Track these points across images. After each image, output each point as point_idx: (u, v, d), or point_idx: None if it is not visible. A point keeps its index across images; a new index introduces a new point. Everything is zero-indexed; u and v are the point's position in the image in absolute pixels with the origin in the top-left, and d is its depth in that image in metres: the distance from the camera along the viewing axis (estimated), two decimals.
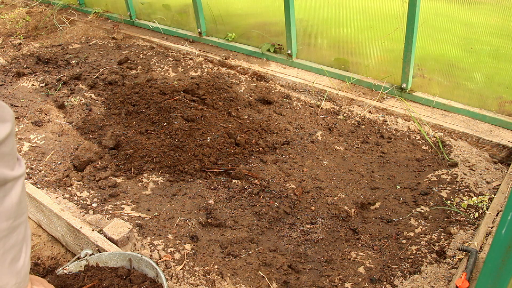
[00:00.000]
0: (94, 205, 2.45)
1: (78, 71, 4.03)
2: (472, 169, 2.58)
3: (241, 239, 2.24)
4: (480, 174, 2.53)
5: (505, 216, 1.05)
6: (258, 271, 2.04)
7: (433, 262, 2.02)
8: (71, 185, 2.59)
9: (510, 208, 1.03)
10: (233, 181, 2.67)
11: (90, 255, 1.88)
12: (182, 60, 4.20)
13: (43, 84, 3.86)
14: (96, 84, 3.83)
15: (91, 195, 2.52)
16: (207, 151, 2.81)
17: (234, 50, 4.23)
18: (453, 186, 2.49)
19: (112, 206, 2.44)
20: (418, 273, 1.98)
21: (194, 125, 2.99)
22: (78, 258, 1.87)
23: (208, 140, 2.87)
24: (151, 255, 2.09)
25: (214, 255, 2.14)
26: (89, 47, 4.70)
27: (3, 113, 1.04)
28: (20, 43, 4.82)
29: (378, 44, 3.24)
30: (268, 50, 3.93)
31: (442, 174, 2.60)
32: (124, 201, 2.50)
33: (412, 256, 2.08)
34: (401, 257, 2.10)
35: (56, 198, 2.48)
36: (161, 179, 2.69)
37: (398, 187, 2.59)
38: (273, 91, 3.60)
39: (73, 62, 4.32)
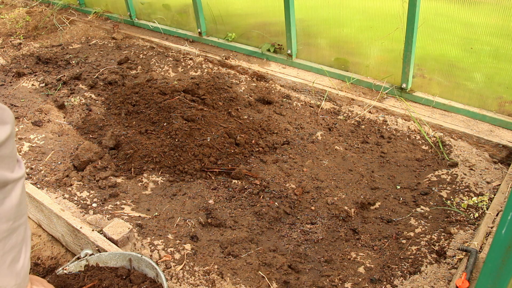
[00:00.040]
0: (94, 205, 2.45)
1: (78, 71, 4.03)
2: (472, 169, 2.58)
3: (241, 239, 2.24)
4: (480, 174, 2.53)
5: (505, 216, 1.05)
6: (258, 271, 2.04)
7: (433, 262, 2.02)
8: (71, 185, 2.59)
9: (510, 208, 1.03)
10: (233, 181, 2.67)
11: (90, 255, 1.88)
12: (182, 60, 4.20)
13: (43, 84, 3.86)
14: (96, 84, 3.83)
15: (91, 195, 2.52)
16: (207, 151, 2.81)
17: (234, 50, 4.23)
18: (453, 186, 2.49)
19: (112, 206, 2.44)
20: (418, 273, 1.98)
21: (194, 125, 2.99)
22: (78, 258, 1.87)
23: (208, 140, 2.87)
24: (151, 255, 2.09)
25: (214, 255, 2.14)
26: (89, 47, 4.70)
27: (3, 115, 1.04)
28: (20, 43, 4.82)
29: (378, 44, 3.24)
30: (268, 50, 3.94)
31: (442, 174, 2.60)
32: (124, 201, 2.50)
33: (412, 256, 2.08)
34: (401, 257, 2.10)
35: (56, 198, 2.48)
36: (161, 179, 2.69)
37: (398, 187, 2.59)
38: (273, 91, 3.60)
39: (73, 62, 4.32)
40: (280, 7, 3.59)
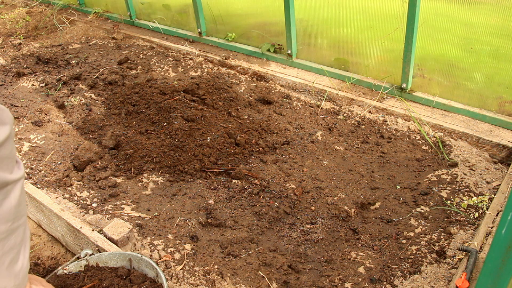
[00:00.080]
0: (94, 205, 2.45)
1: (78, 71, 4.03)
2: (472, 169, 2.58)
3: (241, 239, 2.24)
4: (480, 174, 2.53)
5: (505, 216, 1.05)
6: (258, 271, 2.04)
7: (433, 262, 2.02)
8: (71, 185, 2.59)
9: (510, 208, 1.03)
10: (233, 181, 2.67)
11: (90, 255, 1.88)
12: (182, 60, 4.20)
13: (43, 84, 3.86)
14: (96, 84, 3.83)
15: (91, 195, 2.52)
16: (207, 151, 2.81)
17: (234, 50, 4.23)
18: (453, 186, 2.49)
19: (112, 206, 2.44)
20: (418, 273, 1.98)
21: (194, 125, 2.99)
22: (78, 258, 1.87)
23: (208, 140, 2.87)
24: (151, 255, 2.09)
25: (214, 255, 2.14)
26: (89, 47, 4.70)
27: (1, 116, 1.03)
28: (20, 43, 4.82)
29: (378, 44, 3.24)
30: (268, 50, 3.94)
31: (442, 174, 2.60)
32: (124, 201, 2.50)
33: (412, 256, 2.08)
34: (401, 257, 2.10)
35: (56, 198, 2.48)
36: (161, 179, 2.69)
37: (398, 187, 2.59)
38: (273, 91, 3.60)
39: (73, 62, 4.32)
40: (280, 7, 3.59)
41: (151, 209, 2.46)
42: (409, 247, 2.14)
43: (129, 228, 2.12)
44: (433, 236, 2.16)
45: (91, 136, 3.12)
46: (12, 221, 1.08)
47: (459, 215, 2.27)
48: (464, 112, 2.97)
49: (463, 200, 2.36)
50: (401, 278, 1.99)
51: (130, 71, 4.08)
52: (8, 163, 1.05)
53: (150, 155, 2.80)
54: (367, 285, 1.98)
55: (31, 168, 2.71)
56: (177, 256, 2.09)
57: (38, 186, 2.56)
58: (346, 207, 2.42)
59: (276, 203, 2.47)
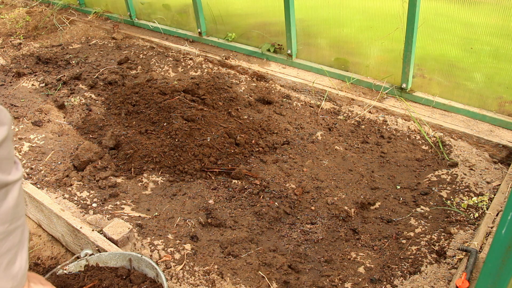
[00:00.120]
0: (94, 205, 2.45)
1: (78, 71, 4.03)
2: (472, 169, 2.58)
3: (241, 239, 2.24)
4: (480, 174, 2.53)
5: (505, 216, 1.05)
6: (258, 271, 2.04)
7: (433, 262, 2.02)
8: (71, 185, 2.59)
9: (510, 208, 1.03)
10: (233, 181, 2.67)
11: (90, 255, 1.88)
12: (182, 60, 4.20)
13: (43, 84, 3.86)
14: (96, 84, 3.83)
15: (91, 195, 2.52)
16: (207, 151, 2.81)
17: (234, 50, 4.23)
18: (453, 186, 2.49)
19: (112, 206, 2.44)
20: (418, 273, 1.98)
21: (194, 125, 2.99)
22: (78, 258, 1.87)
23: (208, 140, 2.87)
24: (151, 255, 2.09)
25: (214, 255, 2.14)
26: (89, 47, 4.70)
27: (0, 116, 1.03)
28: (20, 43, 4.82)
29: (378, 44, 3.24)
30: (268, 50, 3.94)
31: (442, 174, 2.60)
32: (124, 201, 2.50)
33: (412, 256, 2.08)
34: (401, 257, 2.10)
35: (56, 198, 2.48)
36: (161, 179, 2.69)
37: (398, 187, 2.59)
38: (273, 91, 3.60)
39: (73, 62, 4.32)
40: (280, 7, 3.59)
41: (151, 209, 2.46)
42: (409, 247, 2.14)
43: (129, 228, 2.12)
44: (433, 236, 2.16)
45: (91, 136, 3.12)
46: (10, 222, 1.07)
47: (459, 215, 2.27)
48: (464, 112, 2.97)
49: (463, 200, 2.36)
50: (401, 278, 1.99)
51: (130, 71, 4.08)
52: (6, 164, 1.05)
53: (150, 155, 2.80)
54: (367, 285, 1.98)
55: (31, 168, 2.71)
56: (177, 256, 2.09)
57: (38, 186, 2.56)
58: (346, 207, 2.42)
59: (276, 203, 2.47)
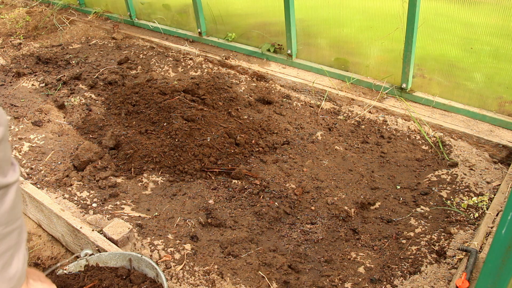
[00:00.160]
0: (94, 205, 2.45)
1: (78, 71, 4.03)
2: (472, 169, 2.58)
3: (241, 239, 2.24)
4: (480, 174, 2.54)
5: (505, 216, 1.05)
6: (258, 271, 2.04)
7: (433, 262, 2.02)
8: (71, 185, 2.59)
9: (510, 208, 1.03)
10: (233, 181, 2.67)
11: (90, 255, 1.88)
12: (182, 60, 4.20)
13: (43, 84, 3.86)
14: (96, 84, 3.83)
15: (91, 195, 2.52)
16: (207, 151, 2.81)
17: (234, 50, 4.23)
18: (453, 186, 2.49)
19: (112, 206, 2.44)
20: (418, 273, 1.98)
21: (194, 125, 2.99)
22: (77, 257, 1.87)
23: (208, 140, 2.87)
24: (151, 255, 2.09)
25: (214, 255, 2.14)
26: (89, 47, 4.70)
27: None
28: (20, 43, 4.82)
29: (378, 44, 3.24)
30: (268, 50, 3.94)
31: (442, 174, 2.60)
32: (124, 201, 2.50)
33: (412, 256, 2.08)
34: (401, 257, 2.10)
35: (56, 198, 2.48)
36: (161, 179, 2.69)
37: (398, 187, 2.59)
38: (273, 91, 3.60)
39: (73, 62, 4.32)
40: (280, 7, 3.59)
41: (151, 209, 2.46)
42: (409, 247, 2.14)
43: (129, 228, 2.12)
44: (433, 236, 2.16)
45: (91, 136, 3.12)
46: (5, 225, 1.06)
47: (459, 215, 2.27)
48: (464, 112, 2.97)
49: (463, 200, 2.36)
50: (401, 278, 1.99)
51: (130, 71, 4.08)
52: (2, 166, 1.04)
53: (150, 155, 2.80)
54: (367, 285, 1.98)
55: (31, 168, 2.71)
56: (177, 256, 2.09)
57: (38, 186, 2.56)
58: (346, 207, 2.42)
59: (276, 203, 2.47)
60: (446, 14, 2.84)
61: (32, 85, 3.87)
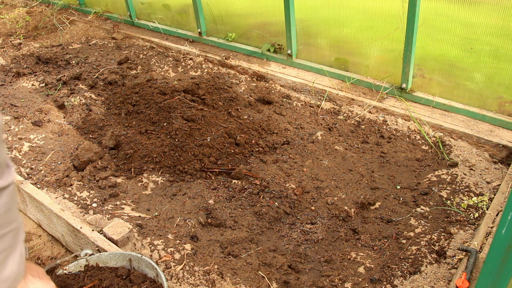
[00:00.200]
0: (94, 205, 2.45)
1: (78, 71, 4.03)
2: (472, 169, 2.58)
3: (241, 239, 2.24)
4: (480, 174, 2.53)
5: (505, 216, 1.05)
6: (258, 271, 2.04)
7: (433, 262, 2.02)
8: (71, 185, 2.59)
9: (510, 208, 1.03)
10: (233, 181, 2.67)
11: (90, 255, 1.88)
12: (182, 60, 4.20)
13: (43, 84, 3.86)
14: (96, 84, 3.83)
15: (91, 195, 2.52)
16: (207, 151, 2.81)
17: (234, 50, 4.23)
18: (453, 186, 2.49)
19: (112, 206, 2.44)
20: (418, 273, 1.98)
21: (194, 125, 2.99)
22: (76, 257, 1.87)
23: (208, 140, 2.87)
24: (151, 255, 2.09)
25: (214, 255, 2.14)
26: (89, 47, 4.70)
27: None
28: (20, 43, 4.82)
29: (378, 44, 3.24)
30: (268, 50, 3.94)
31: (442, 174, 2.60)
32: (124, 201, 2.50)
33: (412, 256, 2.08)
34: (401, 257, 2.10)
35: (56, 198, 2.48)
36: (161, 179, 2.69)
37: (398, 187, 2.59)
38: (273, 91, 3.60)
39: (73, 62, 4.32)
40: (280, 7, 3.59)
41: (151, 209, 2.46)
42: (409, 247, 2.14)
43: (129, 228, 2.12)
44: (433, 236, 2.16)
45: (91, 136, 3.12)
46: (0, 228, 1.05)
47: (459, 215, 2.27)
48: (464, 112, 2.97)
49: (463, 200, 2.36)
50: (401, 278, 1.99)
51: (130, 71, 4.08)
52: None
53: (150, 155, 2.80)
54: (367, 285, 1.98)
55: (31, 168, 2.71)
56: (177, 256, 2.09)
57: (38, 186, 2.56)
58: (346, 207, 2.42)
59: (276, 203, 2.47)
60: (446, 14, 2.84)
61: (32, 85, 3.87)
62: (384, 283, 1.98)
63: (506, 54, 2.69)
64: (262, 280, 1.99)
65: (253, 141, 2.96)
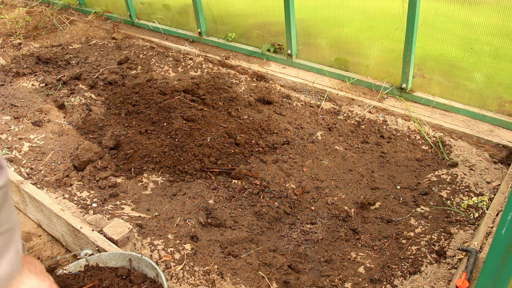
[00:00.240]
0: (94, 205, 2.45)
1: (78, 71, 4.03)
2: (472, 169, 2.58)
3: (241, 239, 2.24)
4: (480, 174, 2.53)
5: (505, 216, 1.05)
6: (258, 271, 2.04)
7: (433, 262, 2.02)
8: (71, 185, 2.59)
9: (510, 208, 1.03)
10: (233, 181, 2.67)
11: (90, 255, 1.88)
12: (182, 60, 4.20)
13: (43, 84, 3.86)
14: (96, 84, 3.83)
15: (91, 195, 2.52)
16: (207, 151, 2.81)
17: (234, 50, 4.23)
18: (453, 186, 2.49)
19: (112, 206, 2.44)
20: (418, 273, 1.98)
21: (194, 125, 2.99)
22: (75, 256, 1.87)
23: (208, 140, 2.87)
24: (151, 255, 2.09)
25: (214, 255, 2.14)
26: (89, 47, 4.70)
27: None
28: (20, 43, 4.82)
29: (378, 44, 3.24)
30: (268, 50, 3.94)
31: (442, 174, 2.60)
32: (124, 201, 2.50)
33: (412, 256, 2.08)
34: (401, 257, 2.10)
35: (56, 198, 2.48)
36: (161, 179, 2.69)
37: (398, 187, 2.59)
38: (273, 91, 3.60)
39: (73, 62, 4.32)
40: (280, 7, 3.59)
41: (151, 209, 2.46)
42: (409, 247, 2.14)
43: (129, 228, 2.12)
44: (433, 236, 2.16)
45: (91, 136, 3.12)
46: None
47: (459, 215, 2.27)
48: (464, 112, 2.97)
49: (463, 200, 2.36)
50: (401, 278, 1.99)
51: (130, 71, 4.08)
52: None
53: (150, 155, 2.80)
54: (367, 285, 1.98)
55: (31, 168, 2.71)
56: (177, 256, 2.09)
57: (38, 186, 2.56)
58: (346, 207, 2.42)
59: (276, 203, 2.47)
60: (446, 14, 2.84)
61: (32, 85, 3.87)
62: (384, 283, 1.98)
63: (506, 54, 2.69)
64: (262, 280, 1.99)
65: (253, 141, 2.96)
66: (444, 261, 2.01)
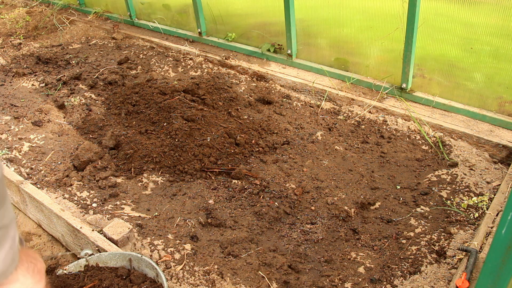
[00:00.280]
0: (94, 205, 2.45)
1: (78, 71, 4.03)
2: (472, 169, 2.58)
3: (241, 239, 2.24)
4: (480, 174, 2.53)
5: (505, 216, 1.05)
6: (258, 271, 2.04)
7: (433, 262, 2.02)
8: (71, 185, 2.59)
9: (510, 208, 1.03)
10: (233, 181, 2.67)
11: (90, 255, 1.88)
12: (182, 60, 4.20)
13: (43, 84, 3.86)
14: (96, 84, 3.83)
15: (91, 195, 2.52)
16: (207, 151, 2.81)
17: (234, 50, 4.23)
18: (453, 186, 2.49)
19: (112, 206, 2.44)
20: (418, 273, 1.98)
21: (194, 125, 2.99)
22: (75, 255, 1.87)
23: (208, 140, 2.87)
24: (151, 255, 2.09)
25: (214, 255, 2.14)
26: (89, 47, 4.70)
27: None
28: (20, 43, 4.82)
29: (378, 44, 3.24)
30: (268, 50, 3.94)
31: (442, 174, 2.60)
32: (124, 201, 2.50)
33: (412, 256, 2.08)
34: (401, 257, 2.10)
35: (56, 198, 2.48)
36: (161, 179, 2.69)
37: (398, 187, 2.59)
38: (273, 91, 3.60)
39: (73, 62, 4.32)
40: (280, 7, 3.59)
41: (151, 209, 2.46)
42: (409, 247, 2.14)
43: (129, 228, 2.12)
44: (433, 236, 2.16)
45: (91, 136, 3.12)
46: None
47: (459, 215, 2.27)
48: (464, 112, 2.97)
49: (463, 200, 2.36)
50: (401, 278, 1.99)
51: (130, 71, 4.08)
52: None
53: (150, 155, 2.80)
54: (367, 285, 1.98)
55: (31, 168, 2.71)
56: (177, 256, 2.09)
57: (38, 186, 2.56)
58: (346, 207, 2.42)
59: (276, 203, 2.47)
60: (446, 14, 2.84)
61: (32, 85, 3.87)
62: (384, 283, 1.98)
63: (506, 54, 2.69)
64: (262, 280, 1.99)
65: (253, 141, 2.96)
66: (444, 261, 2.01)
